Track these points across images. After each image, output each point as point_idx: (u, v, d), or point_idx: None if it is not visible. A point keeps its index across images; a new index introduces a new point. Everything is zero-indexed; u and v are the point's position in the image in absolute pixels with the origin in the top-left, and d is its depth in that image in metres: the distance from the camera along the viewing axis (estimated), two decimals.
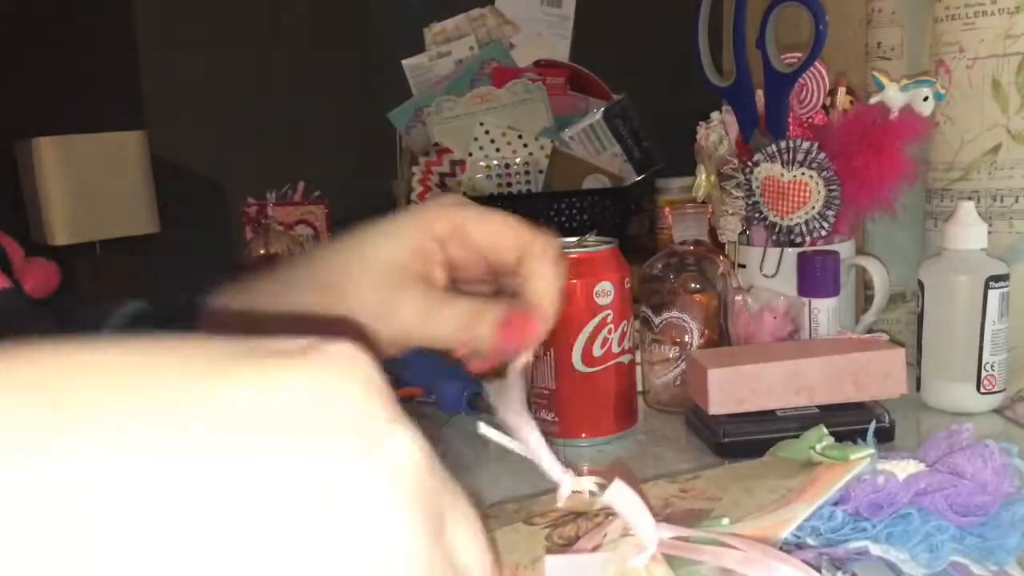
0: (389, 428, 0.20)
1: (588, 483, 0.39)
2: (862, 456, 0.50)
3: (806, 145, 0.78)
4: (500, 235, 0.41)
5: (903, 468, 0.50)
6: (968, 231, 0.69)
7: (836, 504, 0.47)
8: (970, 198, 0.74)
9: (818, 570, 0.41)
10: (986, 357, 0.69)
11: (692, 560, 0.39)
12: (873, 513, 0.46)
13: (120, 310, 0.50)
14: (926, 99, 0.76)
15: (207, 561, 0.17)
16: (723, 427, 0.65)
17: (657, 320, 0.77)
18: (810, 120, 0.83)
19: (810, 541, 0.46)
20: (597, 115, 1.76)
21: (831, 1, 0.80)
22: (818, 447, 0.52)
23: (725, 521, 0.43)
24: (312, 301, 0.42)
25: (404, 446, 0.20)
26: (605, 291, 0.67)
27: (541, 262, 0.41)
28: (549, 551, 0.43)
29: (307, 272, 0.44)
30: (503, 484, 0.59)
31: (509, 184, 1.69)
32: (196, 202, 2.02)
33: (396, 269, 0.41)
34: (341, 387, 0.20)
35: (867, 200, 0.78)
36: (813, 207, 0.79)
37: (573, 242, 0.68)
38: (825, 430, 0.54)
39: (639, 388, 0.76)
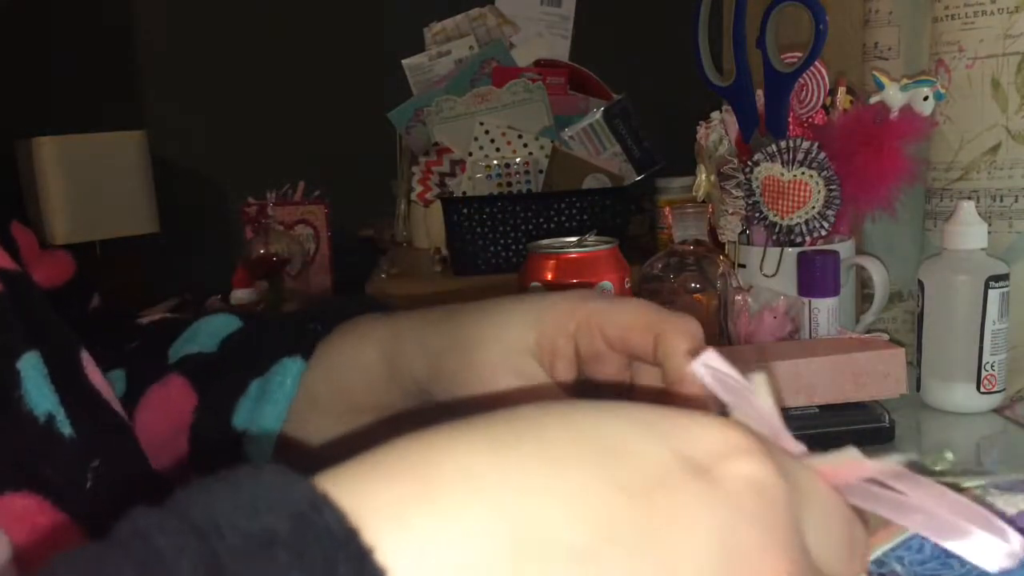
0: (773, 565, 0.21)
1: None
2: (974, 485, 0.48)
3: (806, 145, 0.78)
4: (632, 322, 0.40)
5: (1014, 503, 0.48)
6: (968, 231, 0.69)
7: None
8: (970, 198, 0.74)
9: None
10: (986, 357, 0.69)
11: None
12: None
13: (208, 324, 0.51)
14: (926, 99, 0.76)
15: None
16: None
17: None
18: (810, 120, 0.83)
19: (897, 569, 0.44)
20: (597, 115, 1.76)
21: (831, 1, 0.80)
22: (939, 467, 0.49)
23: None
24: (433, 349, 0.42)
25: None
26: (605, 291, 0.67)
27: (676, 339, 0.39)
28: None
29: (441, 323, 0.43)
30: None
31: (509, 184, 1.69)
32: (196, 202, 2.02)
33: (516, 351, 0.40)
34: (744, 519, 0.21)
35: (867, 200, 0.78)
36: (813, 207, 0.79)
37: (573, 242, 0.68)
38: (948, 454, 0.51)
39: None
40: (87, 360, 0.42)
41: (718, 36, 0.89)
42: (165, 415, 0.47)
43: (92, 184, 1.71)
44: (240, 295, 1.65)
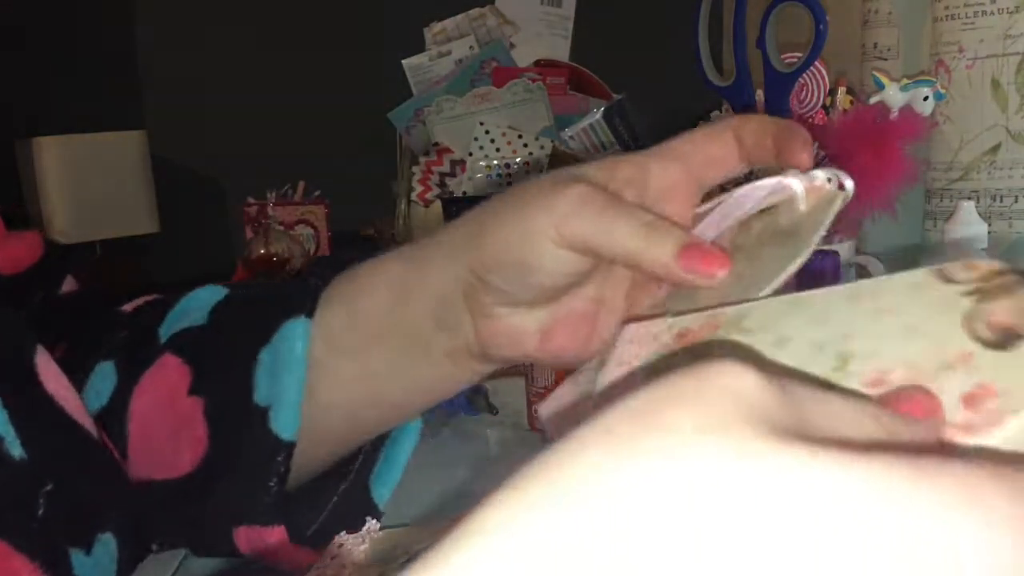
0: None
1: (819, 174, 0.33)
2: None
3: None
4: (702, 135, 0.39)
5: None
6: (968, 231, 0.69)
7: None
8: (970, 198, 0.75)
9: None
10: None
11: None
12: None
13: (198, 297, 0.48)
14: (926, 99, 0.76)
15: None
16: None
17: None
18: (810, 120, 0.83)
19: None
20: (597, 115, 1.76)
21: (831, 1, 0.80)
22: None
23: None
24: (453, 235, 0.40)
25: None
26: None
27: (747, 120, 0.38)
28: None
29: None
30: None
31: (509, 184, 1.69)
32: (196, 202, 2.02)
33: (571, 174, 0.37)
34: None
35: (867, 200, 0.78)
36: None
37: None
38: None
39: None
40: (43, 364, 0.39)
41: (718, 36, 0.89)
42: (163, 400, 0.44)
43: (92, 184, 1.71)
44: None
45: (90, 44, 1.93)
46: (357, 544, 0.43)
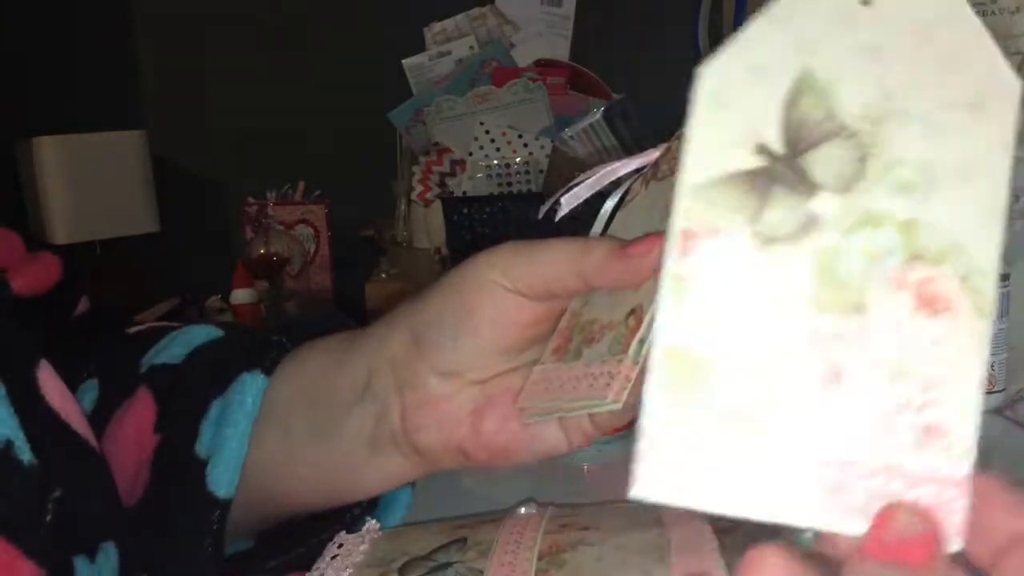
0: None
1: None
2: None
3: None
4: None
5: None
6: None
7: None
8: None
9: None
10: None
11: None
12: None
13: (184, 335, 0.47)
14: None
15: None
16: None
17: None
18: None
19: None
20: (597, 115, 1.76)
21: None
22: None
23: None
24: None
25: None
26: None
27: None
28: None
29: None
30: (516, 485, 0.59)
31: (509, 184, 1.69)
32: (196, 202, 2.02)
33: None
34: None
35: None
36: None
37: None
38: None
39: None
40: (45, 378, 0.39)
41: (718, 36, 0.89)
42: (135, 431, 0.44)
43: (92, 184, 1.71)
44: (240, 295, 1.65)
45: (90, 44, 1.93)
46: (357, 544, 0.43)
